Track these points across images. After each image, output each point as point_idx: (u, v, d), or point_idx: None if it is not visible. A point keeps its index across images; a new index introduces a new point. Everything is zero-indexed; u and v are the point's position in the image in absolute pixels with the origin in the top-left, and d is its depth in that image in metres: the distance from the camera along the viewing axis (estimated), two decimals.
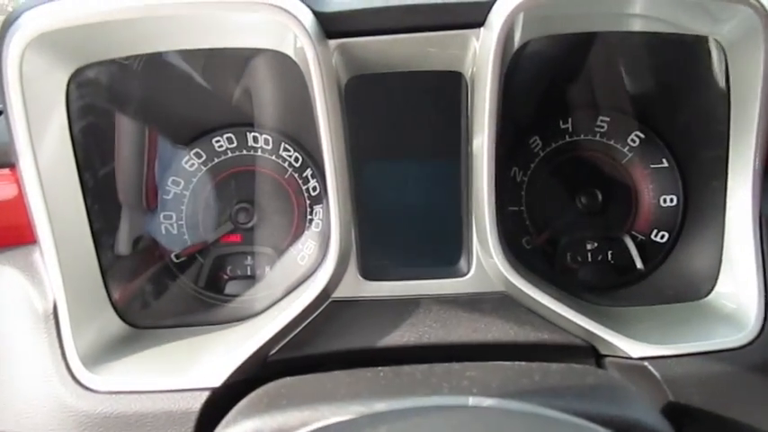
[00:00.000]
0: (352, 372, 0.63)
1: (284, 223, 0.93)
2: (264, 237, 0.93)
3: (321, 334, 0.75)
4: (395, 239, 0.83)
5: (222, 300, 0.90)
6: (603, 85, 0.91)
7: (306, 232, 0.92)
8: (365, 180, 0.81)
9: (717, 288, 0.80)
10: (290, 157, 0.93)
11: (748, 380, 0.71)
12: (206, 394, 0.69)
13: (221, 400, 0.68)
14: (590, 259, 0.92)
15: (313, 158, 0.93)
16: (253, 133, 0.93)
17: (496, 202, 0.72)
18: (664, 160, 0.92)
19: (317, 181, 0.93)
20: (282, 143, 0.93)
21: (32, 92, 0.68)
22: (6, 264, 0.76)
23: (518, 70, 0.76)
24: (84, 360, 0.71)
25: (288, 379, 0.64)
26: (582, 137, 0.93)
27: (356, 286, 0.78)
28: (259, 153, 0.93)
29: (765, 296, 0.73)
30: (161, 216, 0.93)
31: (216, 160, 0.93)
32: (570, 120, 0.93)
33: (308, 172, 0.93)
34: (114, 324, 0.79)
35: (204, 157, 0.93)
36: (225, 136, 0.93)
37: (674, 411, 0.70)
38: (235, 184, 0.93)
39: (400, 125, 0.82)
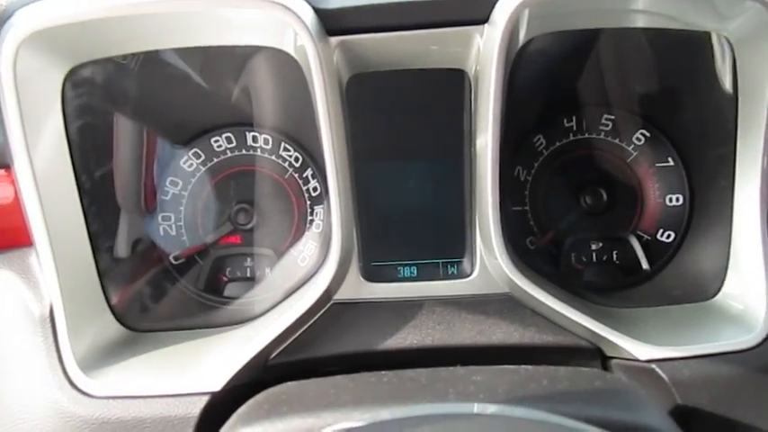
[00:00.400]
0: (354, 376, 0.62)
1: (284, 224, 0.92)
2: (264, 238, 0.92)
3: (322, 337, 0.75)
4: (397, 240, 0.82)
5: (222, 302, 0.90)
6: (608, 82, 0.90)
7: (306, 233, 0.92)
8: (366, 180, 0.80)
9: (724, 289, 0.79)
10: (291, 156, 0.92)
11: (757, 382, 0.70)
12: (205, 399, 0.68)
13: (221, 405, 0.67)
14: (595, 260, 0.92)
15: (313, 158, 0.92)
16: (252, 133, 0.92)
17: (500, 202, 0.72)
18: (669, 159, 0.91)
19: (318, 181, 0.92)
20: (282, 143, 0.92)
21: (27, 91, 0.67)
22: (2, 266, 0.75)
23: (522, 68, 0.75)
24: (81, 364, 0.70)
25: (289, 384, 0.64)
26: (586, 135, 0.92)
27: (358, 288, 0.77)
28: (258, 153, 0.92)
29: None
30: (159, 217, 0.92)
31: (215, 160, 0.93)
32: (574, 118, 0.92)
33: (309, 172, 0.93)
34: (112, 327, 0.78)
35: (203, 158, 0.93)
36: (224, 136, 0.93)
37: (681, 414, 0.69)
38: (234, 185, 0.93)
39: (402, 124, 0.81)
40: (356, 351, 0.74)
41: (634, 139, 0.92)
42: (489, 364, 0.64)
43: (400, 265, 0.81)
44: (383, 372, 0.63)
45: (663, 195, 0.91)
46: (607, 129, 0.92)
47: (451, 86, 0.78)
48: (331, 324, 0.75)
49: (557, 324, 0.75)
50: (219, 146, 0.93)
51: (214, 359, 0.73)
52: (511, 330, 0.74)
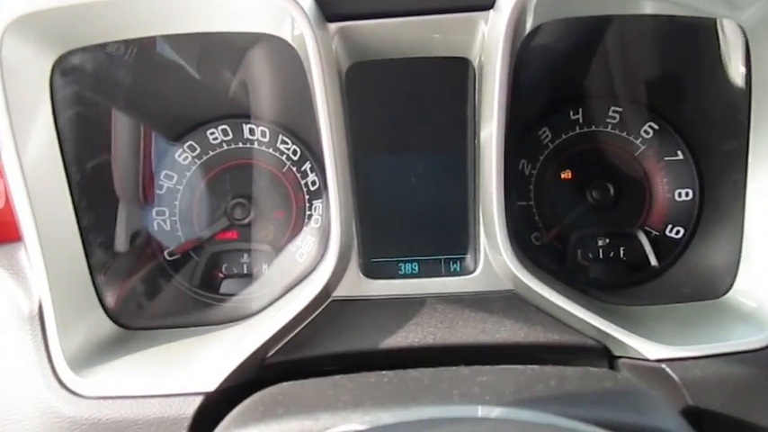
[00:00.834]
0: (354, 376, 0.61)
1: (282, 219, 0.92)
2: (261, 233, 0.92)
3: (321, 335, 0.74)
4: (398, 236, 0.82)
5: (217, 299, 0.89)
6: (615, 74, 0.89)
7: (305, 228, 0.91)
8: (367, 173, 0.80)
9: (735, 286, 0.78)
10: (288, 149, 0.92)
11: None
12: (199, 399, 0.67)
13: (215, 406, 0.66)
14: (602, 256, 0.91)
15: (312, 151, 0.91)
16: (249, 125, 0.92)
17: (504, 197, 0.71)
18: (678, 152, 0.90)
19: (317, 175, 0.92)
20: (280, 135, 0.91)
21: (13, 79, 0.66)
22: None
23: (528, 57, 0.74)
24: (72, 363, 0.69)
25: (286, 384, 0.63)
26: (593, 128, 0.92)
27: (357, 285, 0.77)
28: (255, 146, 0.92)
29: None
30: (153, 212, 0.91)
31: (210, 153, 0.92)
32: (581, 110, 0.92)
33: (307, 165, 0.92)
34: (103, 325, 0.77)
35: (198, 150, 0.92)
36: (220, 128, 0.92)
37: (693, 415, 0.68)
38: (230, 179, 0.92)
39: (403, 115, 0.81)
40: (356, 350, 0.73)
41: (642, 131, 0.91)
42: (493, 363, 0.63)
43: (401, 261, 0.81)
44: (384, 371, 0.62)
45: (672, 190, 0.90)
46: (614, 121, 0.91)
47: (455, 76, 0.78)
48: (330, 322, 0.75)
49: (562, 322, 0.74)
50: (215, 138, 0.92)
51: (208, 358, 0.72)
52: (515, 329, 0.73)
